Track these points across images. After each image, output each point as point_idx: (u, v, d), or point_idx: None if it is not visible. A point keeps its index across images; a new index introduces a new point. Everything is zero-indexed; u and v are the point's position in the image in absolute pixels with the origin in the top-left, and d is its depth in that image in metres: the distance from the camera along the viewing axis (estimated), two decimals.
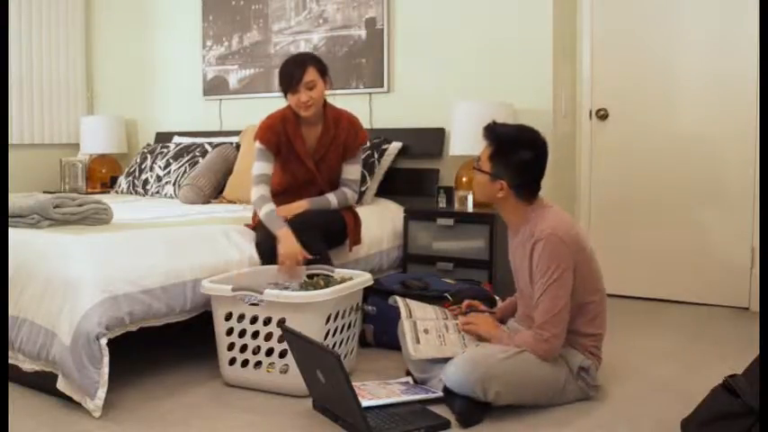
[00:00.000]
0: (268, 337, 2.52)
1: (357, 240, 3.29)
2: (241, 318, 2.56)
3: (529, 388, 2.31)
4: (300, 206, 3.06)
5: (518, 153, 2.41)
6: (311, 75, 3.01)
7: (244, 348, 2.56)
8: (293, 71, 3.01)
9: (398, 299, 2.68)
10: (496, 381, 2.23)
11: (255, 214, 3.17)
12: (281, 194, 3.13)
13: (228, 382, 2.62)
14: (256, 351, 2.55)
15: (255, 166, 3.09)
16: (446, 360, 2.42)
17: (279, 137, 3.09)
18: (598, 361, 2.48)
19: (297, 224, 2.94)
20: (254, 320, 2.53)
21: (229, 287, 2.54)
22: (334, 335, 2.58)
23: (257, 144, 3.10)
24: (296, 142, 3.11)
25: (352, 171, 3.23)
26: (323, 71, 3.08)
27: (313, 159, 3.14)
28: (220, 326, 2.59)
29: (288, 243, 2.85)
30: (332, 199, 3.14)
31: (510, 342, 2.38)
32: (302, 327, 2.35)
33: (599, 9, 4.09)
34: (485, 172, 2.46)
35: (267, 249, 2.93)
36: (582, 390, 2.42)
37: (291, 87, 3.01)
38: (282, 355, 2.49)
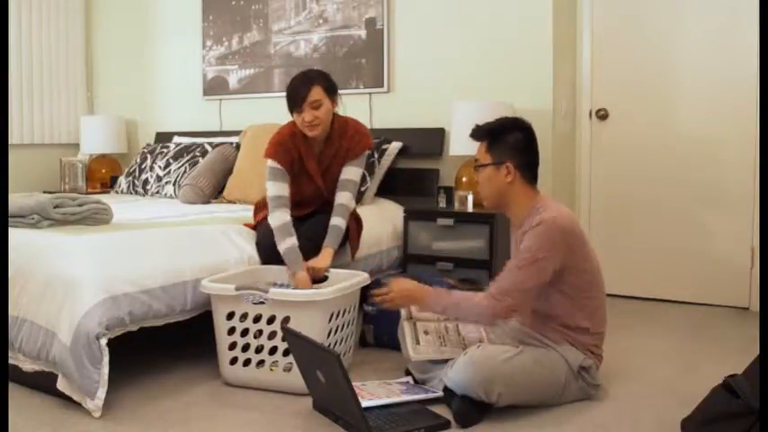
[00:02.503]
0: (272, 335, 2.53)
1: (357, 246, 3.27)
2: (243, 317, 2.56)
3: (531, 388, 2.31)
4: (329, 255, 2.89)
5: (511, 134, 2.49)
6: (317, 94, 2.88)
7: (246, 348, 2.57)
8: (298, 89, 2.89)
9: None
10: (499, 382, 2.23)
11: (256, 214, 3.17)
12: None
13: (229, 382, 2.62)
14: (259, 350, 2.55)
15: (271, 187, 2.94)
16: (446, 360, 2.43)
17: (291, 155, 2.98)
18: (599, 360, 2.49)
19: (303, 241, 2.91)
20: (257, 319, 2.54)
21: (232, 287, 2.55)
22: (335, 333, 2.59)
23: (270, 162, 2.95)
24: (308, 161, 3.01)
25: (351, 172, 3.05)
26: (330, 90, 2.94)
27: (320, 171, 3.06)
28: (221, 325, 2.59)
29: (304, 287, 2.74)
30: (340, 224, 2.97)
31: (448, 298, 2.41)
32: (306, 325, 2.36)
33: (599, 9, 4.09)
34: (487, 164, 2.50)
35: (267, 249, 2.93)
36: (583, 389, 2.42)
37: (296, 106, 2.89)
38: (286, 353, 2.49)
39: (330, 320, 2.54)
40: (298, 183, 3.05)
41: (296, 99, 2.89)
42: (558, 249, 2.34)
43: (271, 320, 2.52)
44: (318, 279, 2.82)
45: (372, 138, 3.19)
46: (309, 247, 2.91)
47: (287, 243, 2.83)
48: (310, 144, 3.02)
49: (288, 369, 2.51)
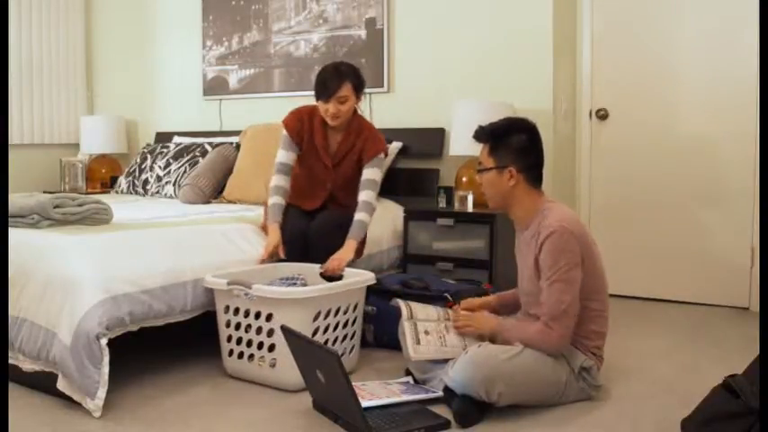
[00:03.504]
0: (258, 330, 2.56)
1: (360, 254, 3.28)
2: (237, 311, 2.61)
3: (531, 388, 2.31)
4: (352, 248, 2.96)
5: (514, 137, 2.46)
6: (346, 90, 3.01)
7: (239, 341, 2.62)
8: (330, 81, 3.00)
9: (400, 301, 2.67)
10: (500, 381, 2.23)
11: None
12: (293, 191, 3.16)
13: (229, 374, 2.68)
14: (249, 344, 2.60)
15: (278, 154, 3.15)
16: (446, 360, 2.42)
17: (303, 126, 3.12)
18: (600, 361, 2.48)
19: (316, 244, 2.99)
20: (247, 314, 2.58)
21: (225, 281, 2.60)
22: (325, 332, 2.59)
23: (283, 131, 3.14)
24: (316, 137, 3.13)
25: (372, 173, 3.12)
26: (359, 88, 3.08)
27: (332, 161, 3.16)
28: (221, 318, 2.66)
29: (274, 236, 2.98)
30: (365, 219, 3.05)
31: (516, 333, 2.37)
32: (288, 322, 2.38)
33: (599, 9, 4.09)
34: (490, 168, 2.47)
35: (290, 247, 2.99)
36: (583, 390, 2.42)
37: (324, 96, 3.01)
38: (271, 349, 2.53)
39: (316, 319, 2.55)
40: (307, 160, 3.16)
41: (325, 90, 3.00)
42: (577, 254, 2.34)
43: (258, 315, 2.55)
44: (335, 278, 2.83)
45: (386, 147, 3.24)
46: (322, 242, 2.97)
47: (273, 199, 3.07)
48: (325, 125, 3.12)
49: (272, 365, 2.54)
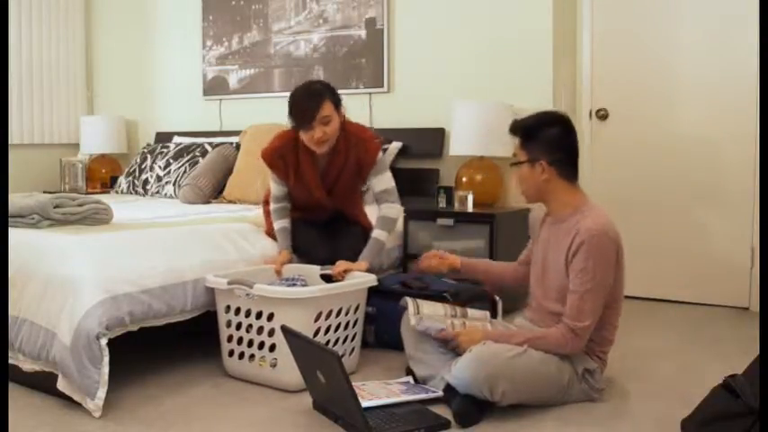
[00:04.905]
0: (260, 330, 2.56)
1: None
2: (237, 311, 2.61)
3: (534, 387, 2.31)
4: (362, 266, 2.85)
5: (546, 131, 2.45)
6: (327, 109, 2.78)
7: (240, 341, 2.62)
8: (307, 105, 2.77)
9: (409, 300, 2.66)
10: (503, 380, 2.23)
11: (267, 218, 3.16)
12: (298, 210, 3.11)
13: (229, 374, 2.67)
14: (250, 344, 2.60)
15: (271, 187, 3.08)
16: (448, 358, 2.43)
17: (286, 163, 2.95)
18: (603, 365, 2.48)
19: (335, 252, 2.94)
20: (248, 314, 2.58)
21: (226, 281, 2.60)
22: (326, 333, 2.59)
23: (268, 168, 3.03)
24: (306, 173, 2.95)
25: (381, 182, 3.01)
26: (338, 103, 2.86)
27: (325, 186, 3.00)
28: (222, 318, 2.66)
29: (284, 258, 2.95)
30: (381, 236, 2.97)
31: (522, 339, 2.35)
32: (289, 322, 2.38)
33: (599, 9, 4.09)
34: (522, 162, 2.47)
35: (304, 250, 3.00)
36: (585, 392, 2.41)
37: (306, 123, 2.77)
38: (272, 348, 2.53)
39: (317, 320, 2.54)
40: (298, 193, 3.05)
41: (306, 116, 2.77)
42: (613, 260, 2.35)
43: (259, 315, 2.55)
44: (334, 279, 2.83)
45: (380, 144, 3.10)
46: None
47: (278, 224, 3.03)
48: (313, 156, 2.94)
49: (273, 365, 2.53)
